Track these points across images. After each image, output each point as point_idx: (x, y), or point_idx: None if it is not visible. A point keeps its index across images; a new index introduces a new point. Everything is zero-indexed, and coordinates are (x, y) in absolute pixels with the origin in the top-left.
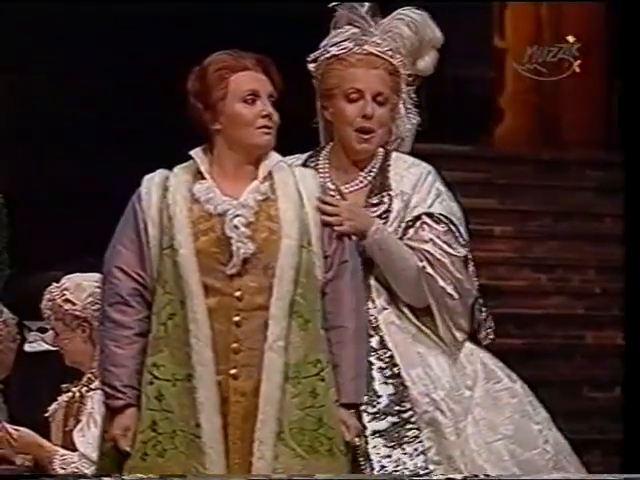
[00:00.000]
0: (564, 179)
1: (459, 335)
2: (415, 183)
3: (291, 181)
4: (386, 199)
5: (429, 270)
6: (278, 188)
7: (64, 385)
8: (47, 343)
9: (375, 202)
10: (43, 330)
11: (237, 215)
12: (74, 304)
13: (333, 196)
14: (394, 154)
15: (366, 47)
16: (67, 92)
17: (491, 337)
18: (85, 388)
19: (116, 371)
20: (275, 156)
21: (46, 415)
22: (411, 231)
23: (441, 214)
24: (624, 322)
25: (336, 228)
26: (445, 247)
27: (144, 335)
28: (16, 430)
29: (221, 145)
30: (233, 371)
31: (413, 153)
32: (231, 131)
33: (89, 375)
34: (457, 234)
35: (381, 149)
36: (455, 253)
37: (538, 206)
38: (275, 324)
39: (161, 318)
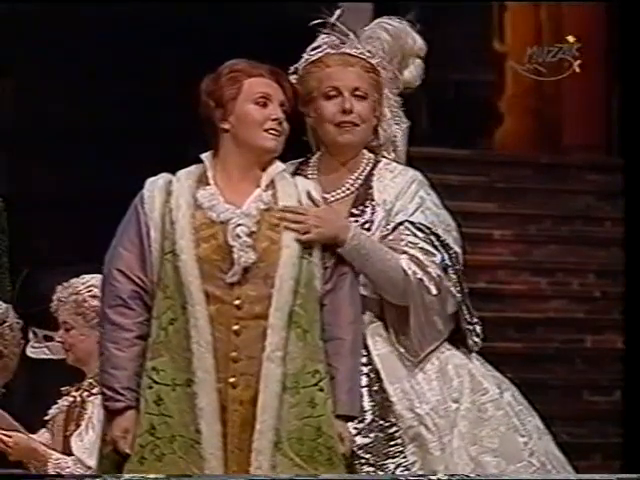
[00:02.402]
0: (564, 183)
1: (430, 333)
2: (398, 192)
3: (293, 192)
4: (368, 209)
5: (409, 264)
6: (280, 198)
7: (64, 388)
8: (51, 352)
9: (357, 213)
10: (49, 338)
11: (240, 224)
12: None
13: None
14: (382, 162)
15: (342, 49)
16: (68, 96)
17: (479, 344)
18: (86, 393)
19: (116, 373)
20: (279, 164)
21: (46, 419)
22: (391, 236)
23: (422, 224)
24: (624, 326)
25: (302, 237)
26: (423, 246)
27: (144, 338)
28: (9, 436)
29: (228, 145)
30: (232, 379)
31: (409, 157)
32: (239, 131)
33: (90, 380)
34: (436, 242)
35: (371, 155)
36: (434, 252)
37: (538, 210)
38: (274, 334)
39: (162, 323)
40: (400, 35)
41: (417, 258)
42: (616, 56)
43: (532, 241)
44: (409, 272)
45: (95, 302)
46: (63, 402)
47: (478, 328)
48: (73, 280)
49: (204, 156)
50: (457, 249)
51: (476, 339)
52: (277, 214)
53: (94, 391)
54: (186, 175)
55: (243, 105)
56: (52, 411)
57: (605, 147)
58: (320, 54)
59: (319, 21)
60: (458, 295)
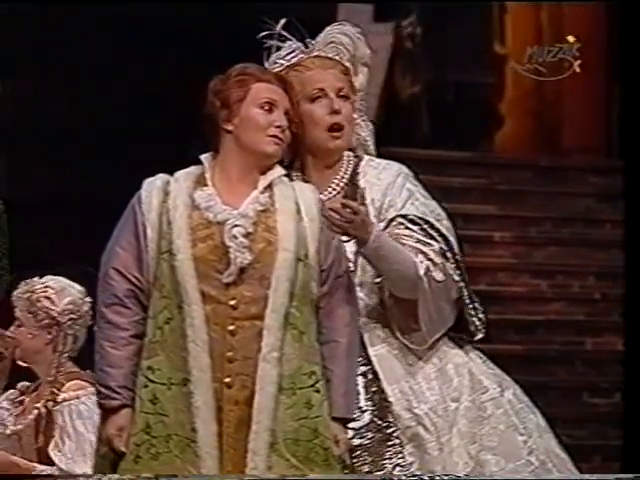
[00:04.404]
0: (564, 185)
1: (438, 321)
2: (385, 188)
3: (290, 194)
4: None
5: (415, 256)
6: (277, 200)
7: (20, 385)
8: None
9: None
10: None
11: (236, 225)
12: (53, 304)
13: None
14: (365, 159)
15: (315, 53)
16: (68, 96)
17: (481, 330)
18: (51, 402)
19: (112, 372)
20: (278, 169)
21: (7, 433)
22: (386, 232)
23: (415, 215)
24: (624, 328)
25: (338, 233)
26: (419, 237)
27: (139, 337)
28: None
29: (229, 147)
30: (227, 379)
31: (410, 159)
32: (242, 133)
33: (52, 389)
34: (432, 231)
35: (350, 152)
36: (430, 241)
37: (538, 212)
38: (269, 335)
39: (158, 322)
40: (354, 39)
41: (418, 249)
42: (616, 56)
43: (532, 243)
44: (417, 263)
45: (47, 303)
46: (29, 415)
47: (481, 314)
48: (35, 279)
49: (203, 157)
50: (450, 237)
51: (478, 323)
52: (279, 216)
53: (59, 399)
54: (184, 176)
55: (249, 108)
56: (14, 427)
57: (605, 149)
58: (295, 59)
59: (269, 32)
60: (459, 279)
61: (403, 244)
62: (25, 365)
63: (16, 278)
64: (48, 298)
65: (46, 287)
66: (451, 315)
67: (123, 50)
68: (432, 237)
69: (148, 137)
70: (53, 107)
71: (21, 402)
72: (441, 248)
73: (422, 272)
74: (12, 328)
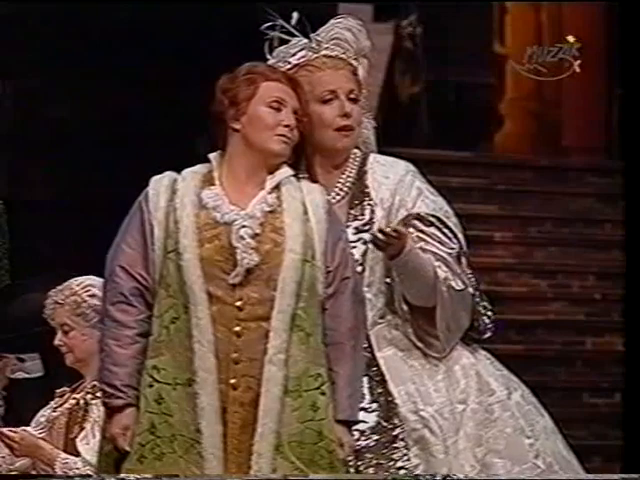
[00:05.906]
0: (564, 185)
1: (455, 328)
2: (394, 188)
3: (298, 195)
4: (367, 211)
5: (436, 263)
6: (284, 201)
7: (59, 390)
8: (27, 372)
9: (356, 214)
10: (21, 360)
11: (244, 226)
12: (100, 300)
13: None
14: (371, 156)
15: (324, 52)
16: (68, 97)
17: (490, 328)
18: (90, 395)
19: (117, 370)
20: (286, 169)
21: (41, 420)
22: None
23: (427, 213)
24: (624, 328)
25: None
26: (436, 241)
27: (145, 336)
28: (15, 432)
29: (237, 145)
30: (232, 381)
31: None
32: (250, 132)
33: (95, 382)
34: (445, 230)
35: (356, 150)
36: (448, 250)
37: (538, 212)
38: (276, 337)
39: (163, 321)
40: (357, 34)
41: (438, 255)
42: (616, 56)
43: (532, 243)
44: (437, 271)
45: (94, 301)
46: (65, 404)
47: (489, 312)
48: (66, 282)
49: (212, 156)
50: (459, 234)
51: (488, 321)
52: (286, 217)
53: (99, 394)
54: (191, 174)
55: (257, 107)
56: (47, 412)
57: (605, 149)
58: (304, 58)
59: (271, 23)
60: (471, 279)
61: (423, 248)
62: (76, 368)
63: (14, 281)
64: (93, 296)
65: (87, 286)
66: (467, 322)
67: (124, 50)
68: (447, 237)
69: (148, 137)
70: (53, 107)
71: (62, 395)
72: (457, 251)
73: (442, 281)
74: (59, 336)
